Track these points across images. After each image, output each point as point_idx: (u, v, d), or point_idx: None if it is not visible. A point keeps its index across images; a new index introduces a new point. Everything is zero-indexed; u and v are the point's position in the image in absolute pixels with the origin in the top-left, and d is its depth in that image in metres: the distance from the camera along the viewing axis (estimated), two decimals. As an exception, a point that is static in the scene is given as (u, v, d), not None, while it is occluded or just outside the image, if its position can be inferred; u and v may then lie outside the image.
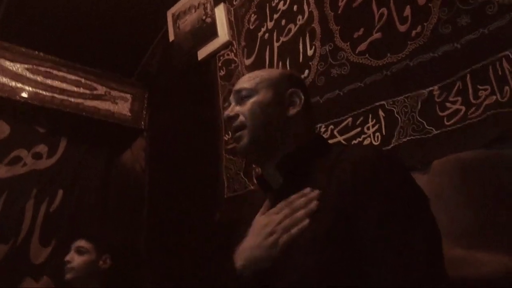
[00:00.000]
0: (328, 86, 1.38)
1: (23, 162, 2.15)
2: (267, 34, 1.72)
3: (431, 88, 1.13)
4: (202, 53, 2.04)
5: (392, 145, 1.16)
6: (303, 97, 0.89)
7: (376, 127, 1.22)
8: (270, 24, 1.72)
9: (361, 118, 1.26)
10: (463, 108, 1.05)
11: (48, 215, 2.17)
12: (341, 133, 1.31)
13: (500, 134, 0.96)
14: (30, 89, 2.11)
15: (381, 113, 1.22)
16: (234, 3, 1.97)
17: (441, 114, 1.09)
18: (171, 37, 2.26)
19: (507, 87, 0.98)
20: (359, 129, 1.26)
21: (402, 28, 1.23)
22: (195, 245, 1.81)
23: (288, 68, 1.56)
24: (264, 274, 0.74)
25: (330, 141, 1.31)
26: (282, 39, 1.64)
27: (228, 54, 1.93)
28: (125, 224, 2.27)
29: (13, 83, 2.08)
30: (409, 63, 1.19)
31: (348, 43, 1.36)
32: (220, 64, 1.95)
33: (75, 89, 2.24)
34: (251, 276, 0.74)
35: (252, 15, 1.83)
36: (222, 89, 1.91)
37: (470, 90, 1.05)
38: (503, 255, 0.91)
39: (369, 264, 0.66)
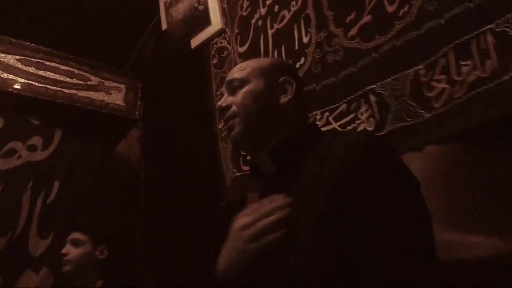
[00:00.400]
0: (324, 73, 1.37)
1: (18, 155, 2.15)
2: (260, 21, 1.70)
3: (417, 68, 1.11)
4: (195, 42, 2.02)
5: (386, 130, 1.15)
6: (294, 85, 0.89)
7: (369, 112, 1.20)
8: (263, 11, 1.69)
9: (355, 104, 1.25)
10: (448, 87, 1.03)
11: (45, 207, 2.17)
12: (336, 119, 1.30)
13: (486, 117, 0.94)
14: (23, 80, 2.10)
15: (372, 97, 1.21)
16: (226, -11, 1.95)
17: (428, 95, 1.07)
18: (164, 26, 2.24)
19: (489, 61, 0.95)
20: (353, 115, 1.25)
21: (390, 9, 1.21)
22: (192, 235, 1.82)
23: (284, 56, 1.54)
24: (253, 268, 0.75)
25: (326, 128, 1.31)
26: (276, 26, 1.61)
27: (221, 42, 1.91)
28: (121, 214, 2.28)
29: (5, 75, 2.07)
30: (396, 43, 1.17)
31: (341, 28, 1.35)
32: (213, 52, 1.94)
33: (68, 80, 2.22)
34: (234, 279, 0.75)
35: (245, 1, 1.81)
36: (215, 77, 1.89)
37: (453, 67, 1.03)
38: (493, 237, 0.92)
39: (359, 250, 0.67)
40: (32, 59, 2.15)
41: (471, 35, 1.00)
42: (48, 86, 2.16)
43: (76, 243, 1.67)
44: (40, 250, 2.11)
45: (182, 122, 2.09)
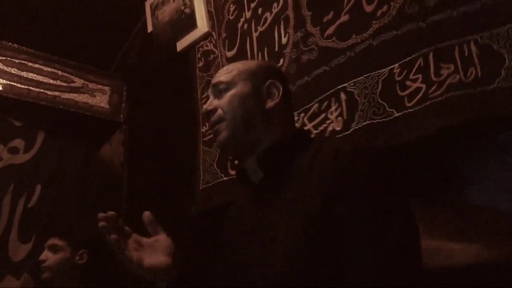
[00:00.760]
0: (299, 73, 1.36)
1: (-1, 157, 2.11)
2: (245, 25, 1.70)
3: (391, 67, 1.10)
4: (181, 44, 2.01)
5: (351, 129, 1.14)
6: (281, 88, 0.87)
7: (339, 111, 1.20)
8: (248, 14, 1.69)
9: (326, 103, 1.24)
10: (423, 86, 1.03)
11: (27, 210, 2.13)
12: (310, 120, 1.28)
13: (465, 119, 0.94)
14: (5, 81, 2.06)
15: (342, 96, 1.20)
16: (213, -8, 1.94)
17: (401, 94, 1.06)
18: (150, 28, 2.22)
19: (472, 69, 0.96)
20: (324, 114, 1.24)
21: (368, 9, 1.21)
22: (176, 239, 1.80)
23: (266, 58, 1.53)
24: (243, 269, 0.74)
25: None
26: (259, 29, 1.61)
27: (207, 45, 1.90)
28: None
29: (-14, 76, 2.03)
30: (372, 43, 1.16)
31: (318, 27, 1.34)
32: (199, 55, 1.93)
33: (52, 81, 2.19)
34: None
35: (231, 5, 1.80)
36: (200, 80, 1.88)
37: (432, 68, 1.03)
38: (474, 243, 0.92)
39: (345, 258, 0.66)
40: (14, 60, 2.12)
41: (454, 41, 1.01)
42: (31, 88, 2.13)
43: (54, 248, 1.63)
44: (21, 255, 2.07)
45: (166, 125, 2.07)
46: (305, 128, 1.29)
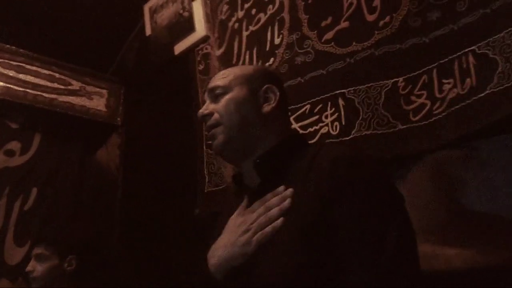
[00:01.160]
0: (291, 73, 1.37)
1: (-5, 160, 2.10)
2: (236, 24, 1.71)
3: (395, 80, 1.11)
4: (179, 48, 2.01)
5: (351, 136, 1.15)
6: (278, 93, 0.87)
7: (335, 116, 1.20)
8: (240, 14, 1.70)
9: (320, 106, 1.25)
10: (428, 102, 1.04)
11: (23, 213, 2.11)
12: (298, 120, 1.29)
13: (463, 133, 0.96)
14: (2, 84, 2.06)
15: (341, 101, 1.20)
16: (211, -5, 1.95)
17: (406, 107, 1.08)
18: (148, 32, 2.23)
19: (468, 79, 0.98)
20: (316, 117, 1.25)
21: (370, 18, 1.22)
22: (169, 243, 1.79)
23: (255, 57, 1.55)
24: (240, 273, 0.73)
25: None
26: (251, 28, 1.63)
27: (206, 48, 1.90)
28: (99, 222, 2.24)
29: (-17, 78, 2.02)
30: (374, 52, 1.18)
31: (316, 31, 1.35)
32: (199, 59, 1.93)
33: (49, 84, 2.18)
34: (225, 275, 0.73)
35: (225, 5, 1.82)
36: (201, 84, 1.88)
37: (436, 84, 1.05)
38: (470, 248, 0.92)
39: (344, 263, 0.67)
40: (12, 62, 2.11)
41: (454, 55, 1.02)
42: (28, 90, 2.12)
43: (40, 258, 1.58)
44: (16, 259, 2.05)
45: (163, 128, 2.07)
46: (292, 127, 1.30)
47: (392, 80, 1.12)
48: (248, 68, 0.95)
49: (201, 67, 1.90)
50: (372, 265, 0.65)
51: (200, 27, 1.93)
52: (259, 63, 1.49)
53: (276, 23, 1.51)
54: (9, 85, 2.07)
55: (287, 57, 1.41)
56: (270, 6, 1.56)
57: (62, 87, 2.22)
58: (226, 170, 1.65)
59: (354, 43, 1.23)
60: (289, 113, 0.96)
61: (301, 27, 1.40)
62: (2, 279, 2.00)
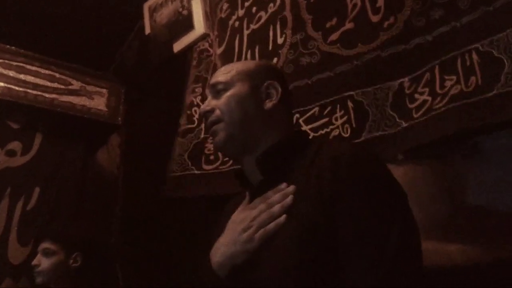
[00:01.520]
0: (297, 74, 1.37)
1: (-4, 160, 2.10)
2: (237, 22, 1.71)
3: (401, 80, 1.12)
4: (178, 46, 2.01)
5: (362, 138, 1.16)
6: (280, 89, 0.87)
7: (345, 118, 1.21)
8: (241, 12, 1.70)
9: (329, 108, 1.25)
10: (429, 98, 1.05)
11: (25, 213, 2.12)
12: (307, 122, 1.29)
13: (460, 129, 0.96)
14: (2, 84, 2.05)
15: (350, 104, 1.21)
16: (210, -7, 1.95)
17: (410, 106, 1.09)
18: (147, 30, 2.23)
19: (473, 77, 0.98)
20: (326, 119, 1.25)
21: (374, 19, 1.22)
22: (169, 242, 1.80)
23: (257, 56, 1.55)
24: (242, 271, 0.73)
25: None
26: (252, 26, 1.62)
27: (203, 45, 1.92)
28: (100, 220, 2.24)
29: (-17, 79, 2.03)
30: (381, 54, 1.18)
31: (320, 32, 1.36)
32: (195, 55, 1.94)
33: (49, 84, 2.18)
34: (228, 273, 0.73)
35: (225, 3, 1.82)
36: (194, 78, 1.89)
37: (437, 81, 1.05)
38: (472, 244, 0.92)
39: (346, 261, 0.67)
40: (12, 62, 2.11)
41: (457, 52, 1.02)
42: (28, 90, 2.12)
43: (47, 253, 1.60)
44: (20, 258, 2.06)
45: (164, 127, 2.07)
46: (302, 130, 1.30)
47: (399, 81, 1.13)
48: (250, 63, 0.94)
49: (194, 62, 1.91)
50: (374, 264, 0.65)
51: (199, 25, 1.94)
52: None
53: (278, 22, 1.51)
54: (9, 86, 2.07)
55: (291, 57, 1.41)
56: (271, 4, 1.56)
57: (62, 87, 2.22)
58: (195, 158, 1.66)
59: (359, 45, 1.23)
60: (292, 110, 0.95)
61: (305, 27, 1.41)
62: (6, 279, 2.01)
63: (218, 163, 1.58)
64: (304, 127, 1.29)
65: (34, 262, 1.60)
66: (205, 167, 1.61)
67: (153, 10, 2.22)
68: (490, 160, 0.98)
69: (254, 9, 1.64)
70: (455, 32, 1.04)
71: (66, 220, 2.17)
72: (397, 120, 1.10)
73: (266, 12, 1.57)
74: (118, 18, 2.30)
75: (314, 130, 1.27)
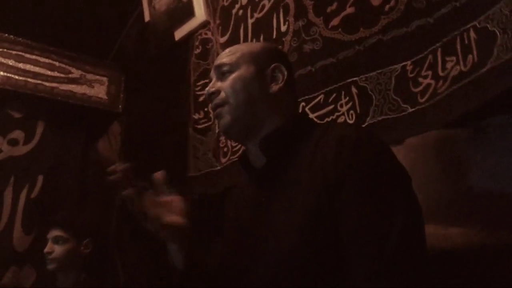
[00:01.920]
0: (301, 62, 1.36)
1: (-1, 149, 2.11)
2: (241, 11, 1.69)
3: (404, 63, 1.11)
4: (179, 34, 2.00)
5: (366, 123, 1.15)
6: (286, 72, 0.86)
7: (350, 104, 1.21)
8: (244, 1, 1.68)
9: (334, 95, 1.25)
10: (433, 82, 1.04)
11: (30, 201, 2.14)
12: (313, 110, 1.29)
13: (465, 111, 0.95)
14: (2, 73, 2.05)
15: (354, 89, 1.21)
16: (210, -20, 1.92)
17: (414, 90, 1.08)
18: (147, 18, 2.20)
19: (470, 56, 0.97)
20: (332, 106, 1.25)
21: (375, 2, 1.21)
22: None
23: None
24: (245, 255, 0.75)
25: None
26: (256, 15, 1.61)
27: (205, 33, 1.90)
28: (100, 208, 2.25)
29: (-17, 68, 2.02)
30: (382, 38, 1.17)
31: (321, 18, 1.34)
32: (197, 43, 1.92)
33: (49, 72, 2.18)
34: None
35: None
36: (195, 66, 1.88)
37: (439, 63, 1.04)
38: (474, 228, 0.93)
39: (350, 245, 0.67)
40: (11, 51, 2.10)
41: (457, 32, 1.01)
42: (28, 79, 2.11)
43: (58, 240, 1.64)
44: (25, 246, 2.08)
45: (164, 116, 2.07)
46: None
47: (401, 64, 1.12)
48: (256, 45, 0.93)
49: (198, 51, 1.90)
50: (379, 250, 0.65)
51: (200, 12, 1.91)
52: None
53: (281, 10, 1.49)
54: (9, 75, 2.06)
55: (295, 45, 1.40)
56: None
57: (62, 75, 2.21)
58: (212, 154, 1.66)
59: (361, 29, 1.22)
60: (297, 93, 0.94)
61: (306, 13, 1.39)
62: (11, 267, 2.03)
63: (229, 154, 1.59)
64: (311, 115, 1.29)
65: (47, 249, 1.63)
66: (222, 160, 1.62)
67: (152, -3, 2.19)
68: (492, 143, 0.98)
69: None
70: (455, 12, 1.03)
71: (70, 208, 2.18)
72: (402, 105, 1.10)
73: (269, 0, 1.56)
74: (116, 6, 2.27)
75: (320, 118, 1.27)
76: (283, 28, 1.47)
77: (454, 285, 0.92)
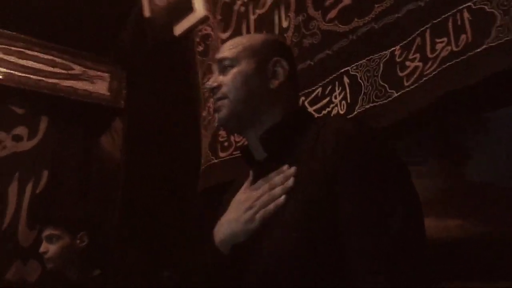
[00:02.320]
0: (301, 57, 1.36)
1: (3, 145, 2.12)
2: (243, 8, 1.69)
3: (392, 49, 1.11)
4: (179, 29, 1.99)
5: (355, 112, 1.15)
6: (287, 67, 0.85)
7: (342, 94, 1.20)
8: (245, -3, 1.69)
9: (330, 87, 1.25)
10: (420, 64, 1.03)
11: (35, 196, 2.16)
12: (311, 104, 1.29)
13: (450, 91, 0.94)
14: (3, 70, 2.06)
15: (346, 79, 1.20)
16: (210, -25, 1.92)
17: (401, 74, 1.07)
18: (147, 13, 2.20)
19: (463, 36, 0.96)
20: (327, 98, 1.25)
21: None
22: (171, 225, 1.83)
23: None
24: (244, 248, 0.76)
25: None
26: (258, 11, 1.61)
27: (206, 29, 1.89)
28: (102, 203, 2.27)
29: (-15, 65, 2.03)
30: (374, 26, 1.16)
31: (320, 11, 1.34)
32: (198, 40, 1.92)
33: (51, 69, 2.18)
34: (229, 251, 0.76)
35: None
36: (200, 65, 1.88)
37: (428, 45, 1.03)
38: (471, 219, 0.94)
39: (350, 238, 0.67)
40: (12, 48, 2.10)
41: (449, 13, 1.00)
42: (30, 76, 2.12)
43: (51, 238, 1.59)
44: (29, 241, 2.10)
45: (166, 111, 2.08)
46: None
47: (390, 50, 1.11)
48: (257, 38, 0.91)
49: (200, 48, 1.89)
50: (379, 243, 0.65)
51: (200, 8, 1.91)
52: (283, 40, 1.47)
53: (283, 5, 1.49)
54: (10, 71, 2.08)
55: (296, 40, 1.40)
56: None
57: (63, 71, 2.22)
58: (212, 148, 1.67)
59: (355, 19, 1.21)
60: (299, 87, 0.94)
61: (306, 8, 1.39)
62: (17, 261, 2.06)
63: (232, 149, 1.59)
64: (310, 109, 1.29)
65: (42, 249, 1.60)
66: (221, 154, 1.62)
67: (152, -8, 2.19)
68: (491, 134, 0.98)
69: None
70: None
71: (70, 203, 2.20)
72: (388, 90, 1.09)
73: None
74: (117, 1, 2.27)
75: (317, 111, 1.27)
76: (285, 24, 1.47)
77: (453, 276, 0.93)
